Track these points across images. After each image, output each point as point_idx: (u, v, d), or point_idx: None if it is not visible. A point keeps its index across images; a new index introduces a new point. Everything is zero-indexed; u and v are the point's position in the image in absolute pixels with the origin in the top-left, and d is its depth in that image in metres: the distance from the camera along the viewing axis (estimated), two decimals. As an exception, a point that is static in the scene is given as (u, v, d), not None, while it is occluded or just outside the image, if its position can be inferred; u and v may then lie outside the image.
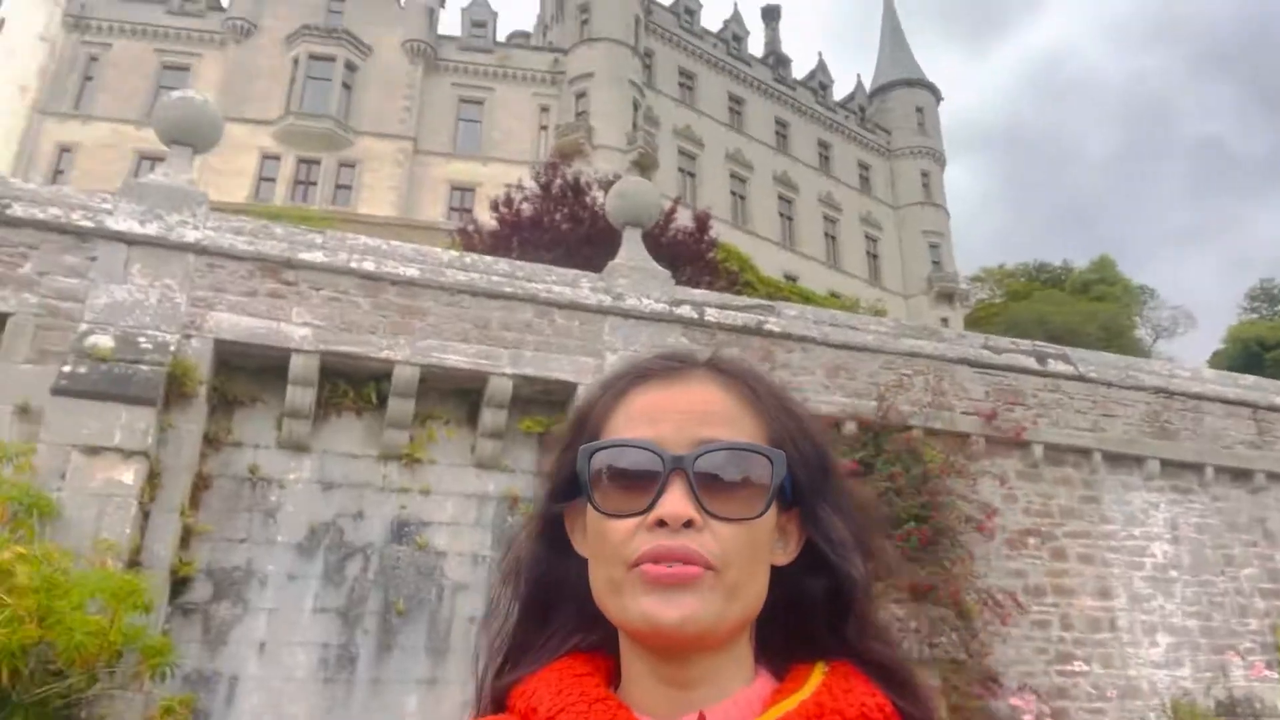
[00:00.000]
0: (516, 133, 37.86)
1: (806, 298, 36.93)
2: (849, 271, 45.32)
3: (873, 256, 47.13)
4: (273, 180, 34.90)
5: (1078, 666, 9.13)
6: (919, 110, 51.50)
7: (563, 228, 16.12)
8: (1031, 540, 9.39)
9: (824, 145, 47.91)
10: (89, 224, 7.17)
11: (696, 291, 9.22)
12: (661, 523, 0.76)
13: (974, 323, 53.62)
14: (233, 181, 33.41)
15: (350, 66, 36.88)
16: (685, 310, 8.61)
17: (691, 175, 41.21)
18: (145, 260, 7.24)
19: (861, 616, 0.86)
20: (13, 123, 34.89)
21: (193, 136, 7.94)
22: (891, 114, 51.38)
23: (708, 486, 0.77)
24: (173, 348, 7.02)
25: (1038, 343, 10.61)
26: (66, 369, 6.61)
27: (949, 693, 7.64)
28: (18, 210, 7.10)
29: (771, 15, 53.24)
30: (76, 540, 5.98)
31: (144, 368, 6.79)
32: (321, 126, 35.44)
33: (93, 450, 6.34)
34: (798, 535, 0.85)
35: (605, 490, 0.80)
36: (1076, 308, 50.24)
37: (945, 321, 45.05)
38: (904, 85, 52.13)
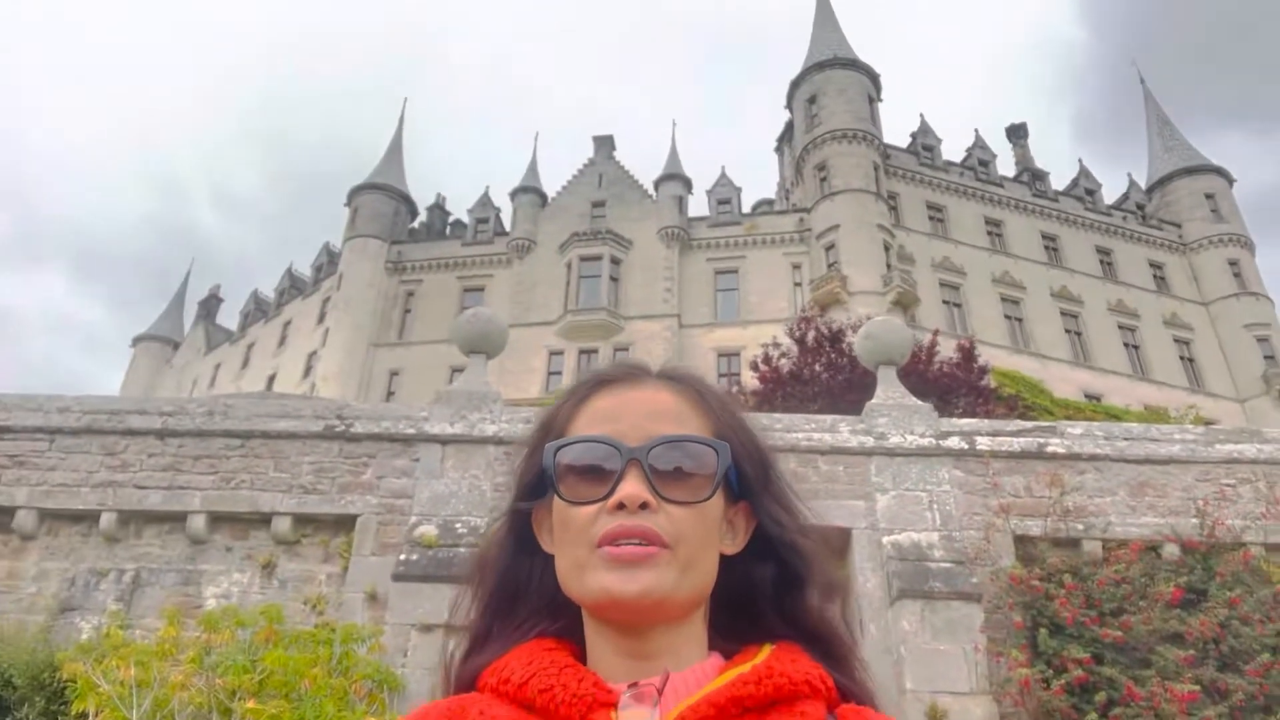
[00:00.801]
0: (772, 293, 39.17)
1: (1115, 416, 33.53)
2: (1161, 380, 40.77)
3: (1187, 360, 42.20)
4: (559, 373, 38.42)
5: None
6: (1209, 197, 46.93)
7: (822, 377, 16.31)
8: None
9: (1103, 251, 44.75)
10: (412, 430, 8.49)
11: (963, 421, 8.93)
12: (620, 505, 0.86)
13: (1336, 418, 45.65)
14: (526, 379, 37.25)
15: (615, 260, 40.57)
16: (954, 442, 8.37)
17: (957, 305, 39.98)
18: (455, 456, 8.38)
19: (809, 590, 0.96)
20: (352, 358, 41.69)
21: (485, 345, 9.23)
22: (1177, 206, 47.26)
23: (661, 474, 0.87)
24: (482, 530, 7.95)
25: (1398, 430, 9.00)
26: (402, 557, 7.70)
27: None
28: (358, 428, 8.58)
29: (1018, 134, 51.93)
30: (416, 710, 6.75)
31: (461, 550, 7.74)
32: (596, 319, 38.90)
33: (426, 628, 7.24)
34: (745, 527, 0.95)
35: (570, 483, 0.89)
36: None
37: (1295, 421, 38.81)
38: (1185, 174, 48.08)
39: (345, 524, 8.22)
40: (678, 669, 0.86)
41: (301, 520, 8.23)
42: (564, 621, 0.93)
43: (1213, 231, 45.52)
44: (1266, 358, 41.41)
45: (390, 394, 40.71)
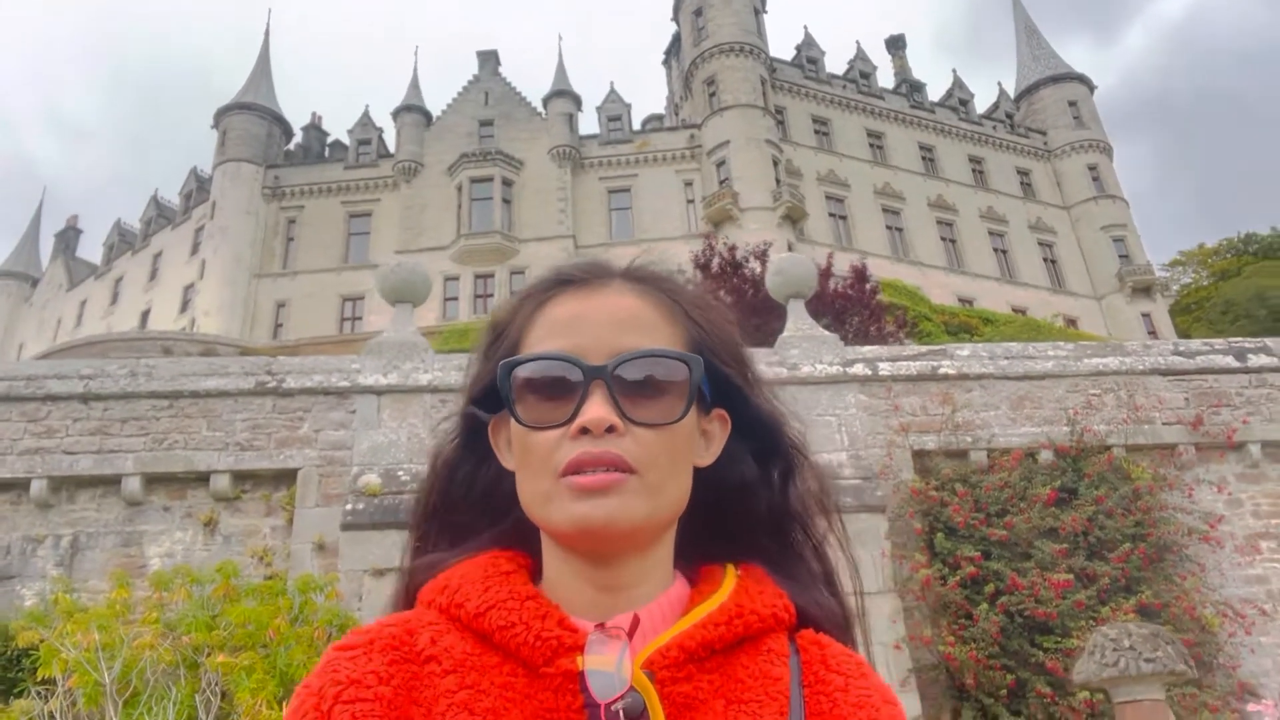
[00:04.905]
0: (665, 211, 39.55)
1: (985, 319, 35.83)
2: (1027, 283, 43.59)
3: (1051, 262, 45.16)
4: (455, 299, 38.09)
5: (1347, 671, 8.60)
6: (1072, 104, 49.46)
7: (727, 302, 16.97)
8: (1265, 544, 9.00)
9: (975, 160, 46.84)
10: (346, 383, 8.62)
11: (866, 349, 9.67)
12: (584, 430, 0.77)
13: (1182, 310, 49.85)
14: (422, 307, 36.68)
15: (506, 182, 39.98)
16: (859, 369, 9.11)
17: (843, 218, 41.36)
18: (392, 406, 8.59)
19: (795, 481, 0.91)
20: (234, 290, 40.04)
21: (411, 294, 9.36)
22: (1043, 114, 49.65)
23: (627, 393, 0.79)
24: (425, 476, 8.25)
25: (1233, 340, 10.25)
26: (349, 507, 7.96)
27: (1198, 710, 7.49)
28: (290, 382, 8.66)
29: (896, 45, 53.07)
30: (379, 650, 7.15)
31: (406, 496, 8.04)
32: (490, 242, 38.49)
33: (379, 573, 7.58)
34: (720, 434, 0.88)
35: (527, 403, 0.80)
36: (1298, 276, 45.80)
37: (1147, 316, 42.31)
38: (1050, 82, 50.36)
39: (286, 478, 8.37)
40: (645, 600, 0.81)
41: (240, 476, 8.34)
42: (519, 537, 0.88)
43: (1075, 138, 48.16)
44: (1121, 256, 44.74)
45: (278, 326, 39.50)
